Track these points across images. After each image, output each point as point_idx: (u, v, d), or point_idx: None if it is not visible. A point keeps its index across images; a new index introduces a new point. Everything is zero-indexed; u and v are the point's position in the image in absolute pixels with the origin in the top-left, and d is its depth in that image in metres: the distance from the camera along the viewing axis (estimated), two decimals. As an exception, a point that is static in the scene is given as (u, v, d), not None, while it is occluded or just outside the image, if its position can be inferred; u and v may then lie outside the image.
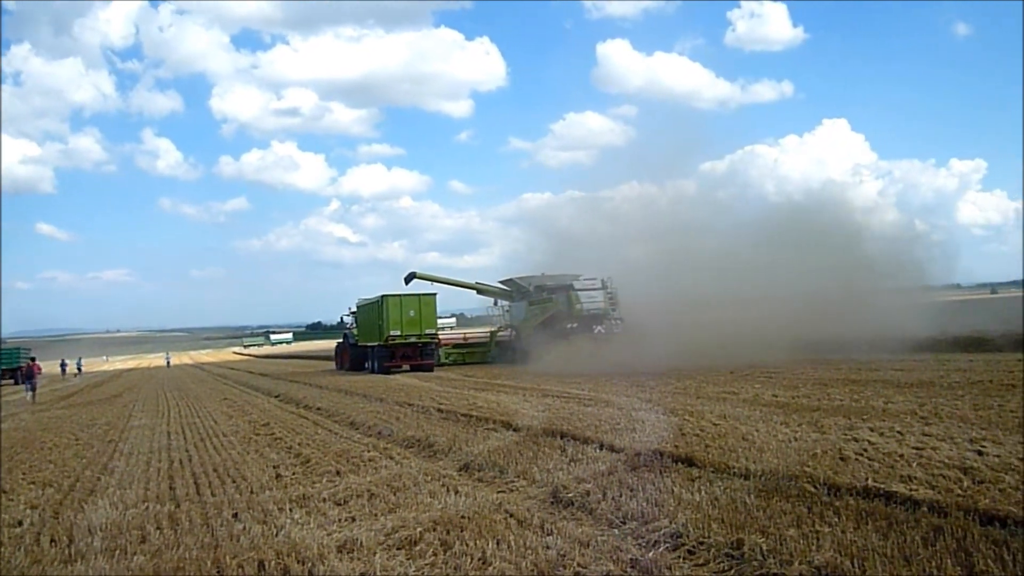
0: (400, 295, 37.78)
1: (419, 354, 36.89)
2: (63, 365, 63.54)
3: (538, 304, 38.13)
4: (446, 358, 40.37)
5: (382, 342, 36.73)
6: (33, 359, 41.77)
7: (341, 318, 50.11)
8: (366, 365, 40.46)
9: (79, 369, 69.79)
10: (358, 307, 43.73)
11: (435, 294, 38.57)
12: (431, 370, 36.13)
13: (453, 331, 55.76)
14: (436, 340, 38.76)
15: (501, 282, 42.34)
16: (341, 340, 48.82)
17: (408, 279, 41.02)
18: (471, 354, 41.56)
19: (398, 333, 36.25)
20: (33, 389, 34.65)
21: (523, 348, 35.77)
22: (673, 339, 29.64)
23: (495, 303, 43.22)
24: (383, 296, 37.31)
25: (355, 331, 44.06)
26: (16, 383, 55.33)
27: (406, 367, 36.92)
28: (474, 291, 43.29)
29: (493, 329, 43.41)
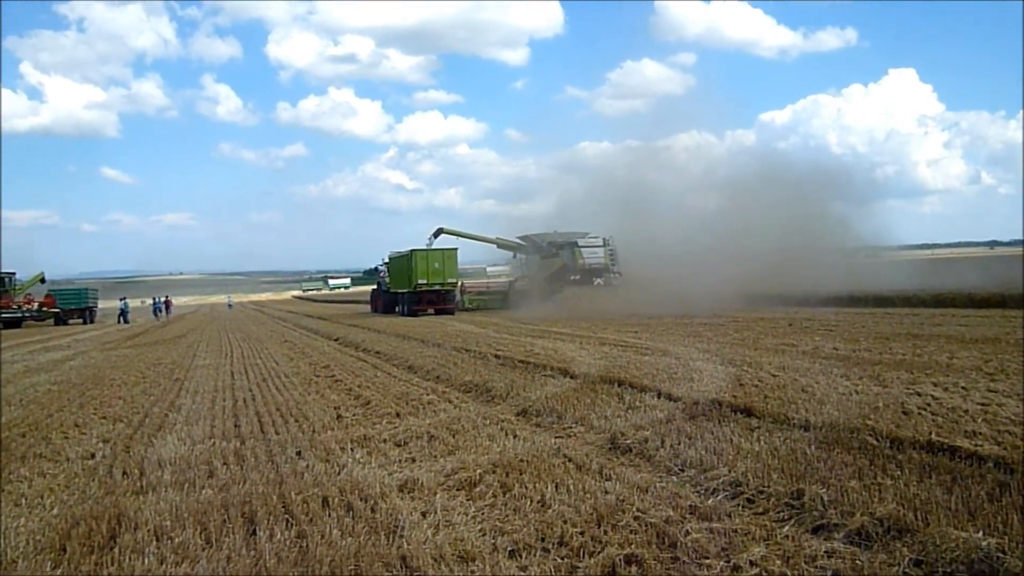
0: (427, 250, 43.82)
1: (442, 300, 43.11)
2: (156, 303, 65.86)
3: (548, 258, 43.37)
4: (470, 303, 45.51)
5: (411, 289, 42.74)
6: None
7: (375, 268, 56.28)
8: (397, 309, 46.23)
9: (167, 308, 71.59)
10: (390, 259, 49.19)
11: (456, 248, 44.55)
12: (452, 313, 42.09)
13: (477, 280, 58.89)
14: (458, 288, 45.33)
15: (519, 238, 46.91)
16: (375, 287, 55.25)
17: (436, 234, 45.50)
18: (492, 300, 45.94)
19: (424, 282, 42.42)
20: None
21: (535, 295, 40.28)
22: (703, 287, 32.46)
23: (514, 256, 48.11)
24: (412, 250, 43.42)
25: (387, 279, 49.97)
26: (84, 322, 57.24)
27: (431, 311, 42.50)
28: (495, 245, 48.03)
29: (511, 279, 48.28)
